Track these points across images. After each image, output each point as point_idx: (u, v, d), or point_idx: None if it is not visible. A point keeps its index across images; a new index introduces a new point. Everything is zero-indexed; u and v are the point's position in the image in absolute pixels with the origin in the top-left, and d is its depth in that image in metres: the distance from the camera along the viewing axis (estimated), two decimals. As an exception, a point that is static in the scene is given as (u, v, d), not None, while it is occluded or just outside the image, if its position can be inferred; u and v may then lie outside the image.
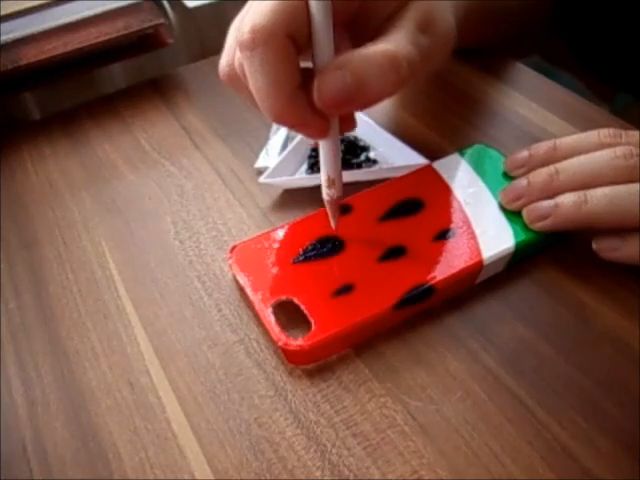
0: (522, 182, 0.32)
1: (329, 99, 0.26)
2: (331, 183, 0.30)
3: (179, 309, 0.31)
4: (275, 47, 0.25)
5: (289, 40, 0.25)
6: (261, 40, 0.25)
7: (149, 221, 0.36)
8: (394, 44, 0.27)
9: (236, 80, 0.30)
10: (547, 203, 0.31)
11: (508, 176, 0.34)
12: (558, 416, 0.26)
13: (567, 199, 0.30)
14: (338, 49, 0.26)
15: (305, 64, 0.27)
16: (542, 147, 0.33)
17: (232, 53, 0.30)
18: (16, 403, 0.28)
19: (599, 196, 0.29)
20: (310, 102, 0.26)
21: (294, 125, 0.28)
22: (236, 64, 0.28)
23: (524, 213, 0.32)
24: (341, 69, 0.25)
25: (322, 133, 0.28)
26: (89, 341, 0.30)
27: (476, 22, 0.39)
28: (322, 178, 0.30)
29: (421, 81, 0.43)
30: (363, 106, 0.27)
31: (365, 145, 0.39)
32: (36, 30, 0.44)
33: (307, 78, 0.27)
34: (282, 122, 0.27)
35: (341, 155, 0.30)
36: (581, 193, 0.30)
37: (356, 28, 0.30)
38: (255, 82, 0.26)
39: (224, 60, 0.31)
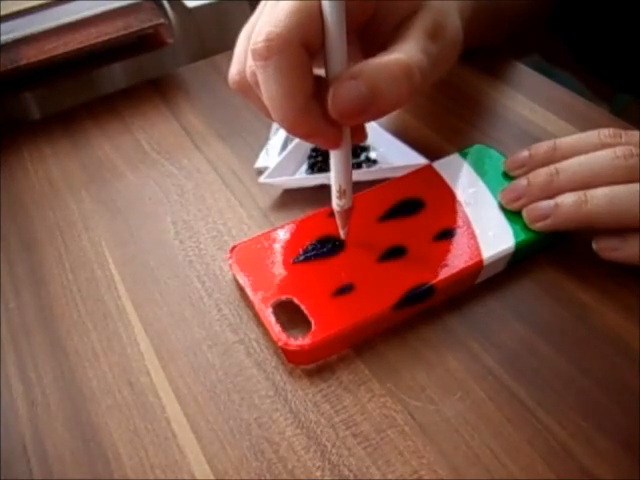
0: (522, 182, 0.32)
1: (344, 109, 0.26)
2: (342, 194, 0.30)
3: (179, 309, 0.31)
4: (290, 56, 0.25)
5: (303, 49, 0.25)
6: (276, 49, 0.25)
7: (149, 221, 0.36)
8: (406, 53, 0.27)
9: (247, 89, 0.29)
10: (547, 203, 0.31)
11: (508, 176, 0.34)
12: (558, 416, 0.26)
13: (567, 199, 0.30)
14: (349, 58, 0.26)
15: (317, 71, 0.27)
16: (542, 147, 0.33)
17: (242, 61, 0.29)
18: (16, 403, 0.28)
19: (599, 196, 0.29)
20: (323, 112, 0.26)
21: (308, 135, 0.27)
22: (247, 72, 0.28)
23: (524, 213, 0.32)
24: (355, 79, 0.25)
25: (335, 143, 0.28)
26: (89, 341, 0.30)
27: (481, 22, 0.39)
28: (333, 189, 0.30)
29: (430, 88, 0.43)
30: (376, 115, 0.27)
31: (365, 145, 0.38)
32: (36, 30, 0.44)
33: (319, 87, 0.26)
34: (296, 132, 0.27)
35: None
36: (581, 193, 0.30)
37: (367, 36, 0.30)
38: (268, 91, 0.26)
39: (234, 69, 0.30)
